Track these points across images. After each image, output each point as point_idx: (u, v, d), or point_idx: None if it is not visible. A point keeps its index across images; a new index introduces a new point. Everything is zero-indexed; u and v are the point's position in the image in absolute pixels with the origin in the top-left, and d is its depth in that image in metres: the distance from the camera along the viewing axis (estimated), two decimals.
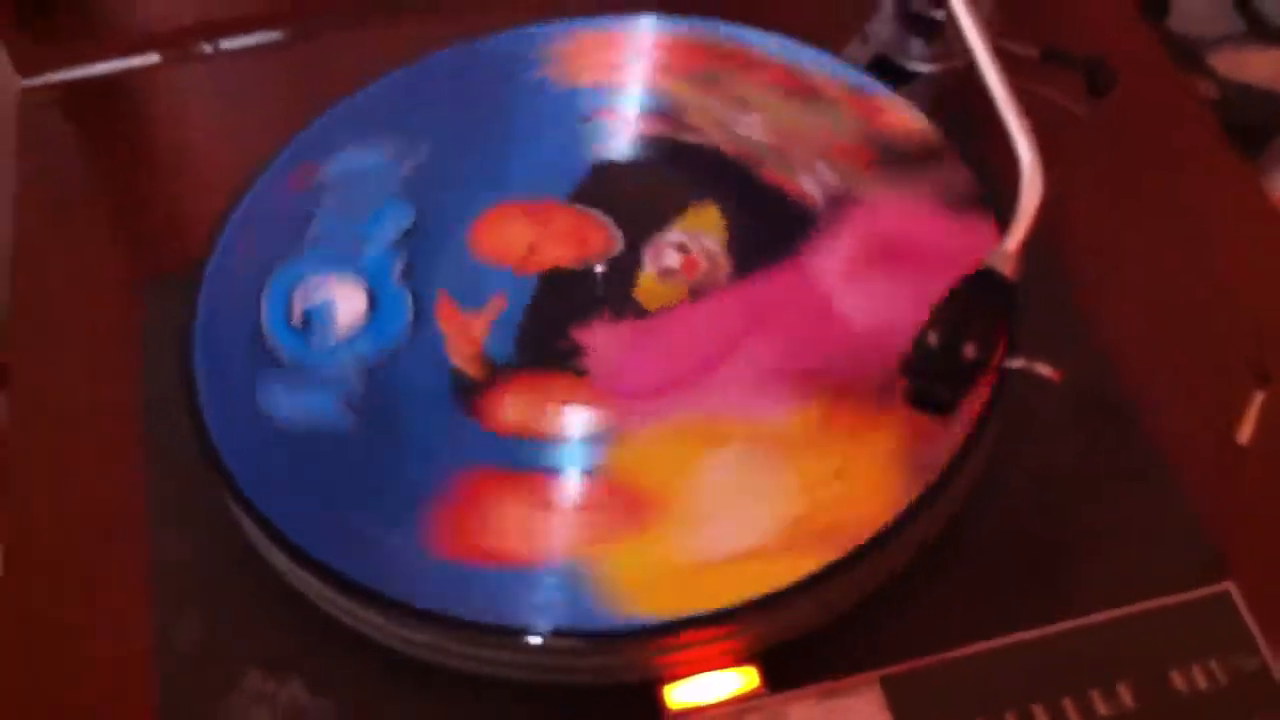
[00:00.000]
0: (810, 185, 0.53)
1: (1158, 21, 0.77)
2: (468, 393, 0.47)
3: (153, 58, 0.64)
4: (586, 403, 0.47)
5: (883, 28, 0.60)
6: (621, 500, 0.45)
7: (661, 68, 0.57)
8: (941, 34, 0.59)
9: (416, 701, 0.44)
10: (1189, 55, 0.78)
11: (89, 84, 0.64)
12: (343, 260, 0.51)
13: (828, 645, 0.44)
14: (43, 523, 0.49)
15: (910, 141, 0.54)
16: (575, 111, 0.55)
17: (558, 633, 0.42)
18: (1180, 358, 0.51)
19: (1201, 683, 0.43)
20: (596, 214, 0.52)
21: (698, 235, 0.51)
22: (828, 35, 0.59)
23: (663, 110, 0.55)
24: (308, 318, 0.49)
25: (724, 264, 0.51)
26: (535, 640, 0.42)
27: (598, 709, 0.43)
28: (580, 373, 0.48)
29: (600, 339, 0.49)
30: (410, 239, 0.51)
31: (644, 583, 0.43)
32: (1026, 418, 0.48)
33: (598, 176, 0.53)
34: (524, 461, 0.46)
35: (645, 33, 0.58)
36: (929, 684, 0.43)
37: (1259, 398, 0.48)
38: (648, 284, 0.50)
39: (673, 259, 0.51)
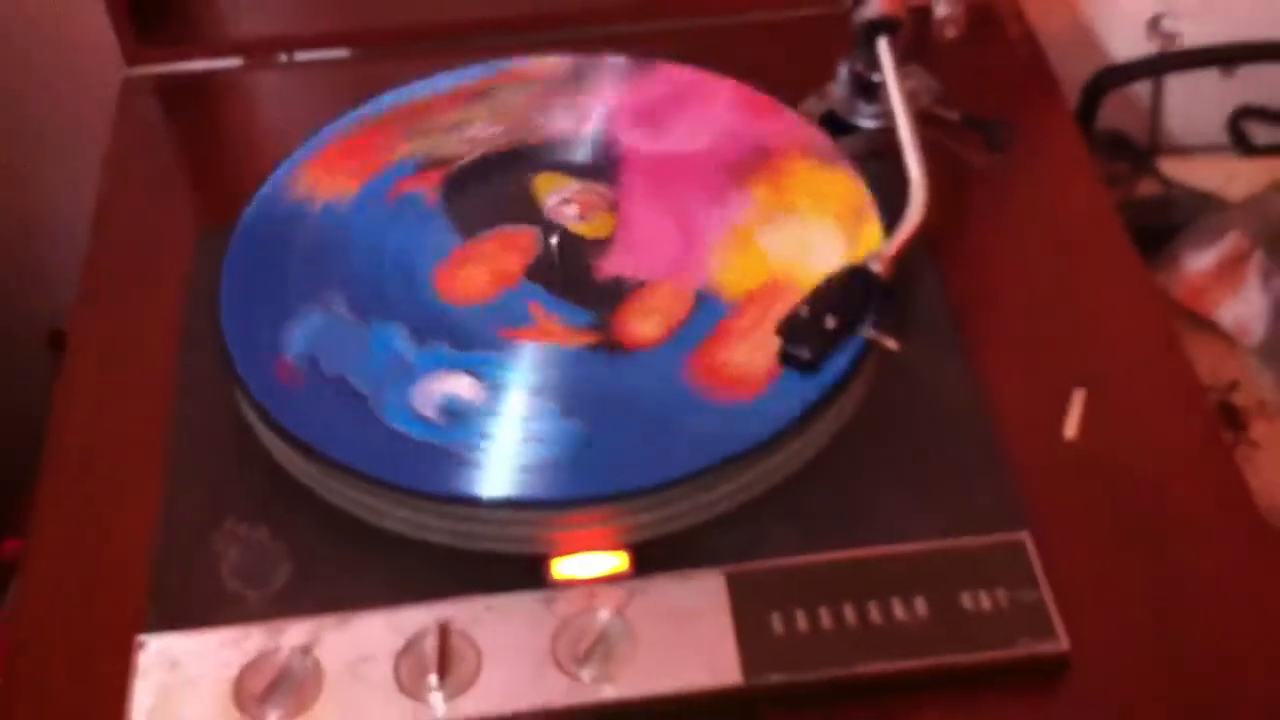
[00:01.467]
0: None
1: (1087, 126, 0.87)
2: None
3: (236, 61, 0.78)
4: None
5: (838, 89, 0.72)
6: None
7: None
8: (880, 97, 0.70)
9: (351, 551, 0.54)
10: (1141, 156, 0.89)
11: (180, 78, 0.78)
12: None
13: (687, 546, 0.54)
14: (88, 420, 0.61)
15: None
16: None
17: (467, 500, 0.53)
18: (1039, 379, 0.61)
19: (986, 605, 0.52)
20: (500, 227, 0.63)
21: (560, 189, 0.64)
22: (792, 90, 0.71)
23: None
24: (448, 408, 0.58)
25: (597, 189, 0.64)
26: (449, 507, 0.53)
27: (498, 573, 0.53)
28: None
29: (612, 263, 0.61)
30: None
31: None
32: (896, 408, 0.58)
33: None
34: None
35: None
36: (762, 581, 0.53)
37: (1080, 398, 0.58)
38: (581, 229, 0.62)
39: (572, 208, 0.63)
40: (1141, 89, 0.92)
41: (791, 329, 0.56)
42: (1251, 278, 0.78)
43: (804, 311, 0.56)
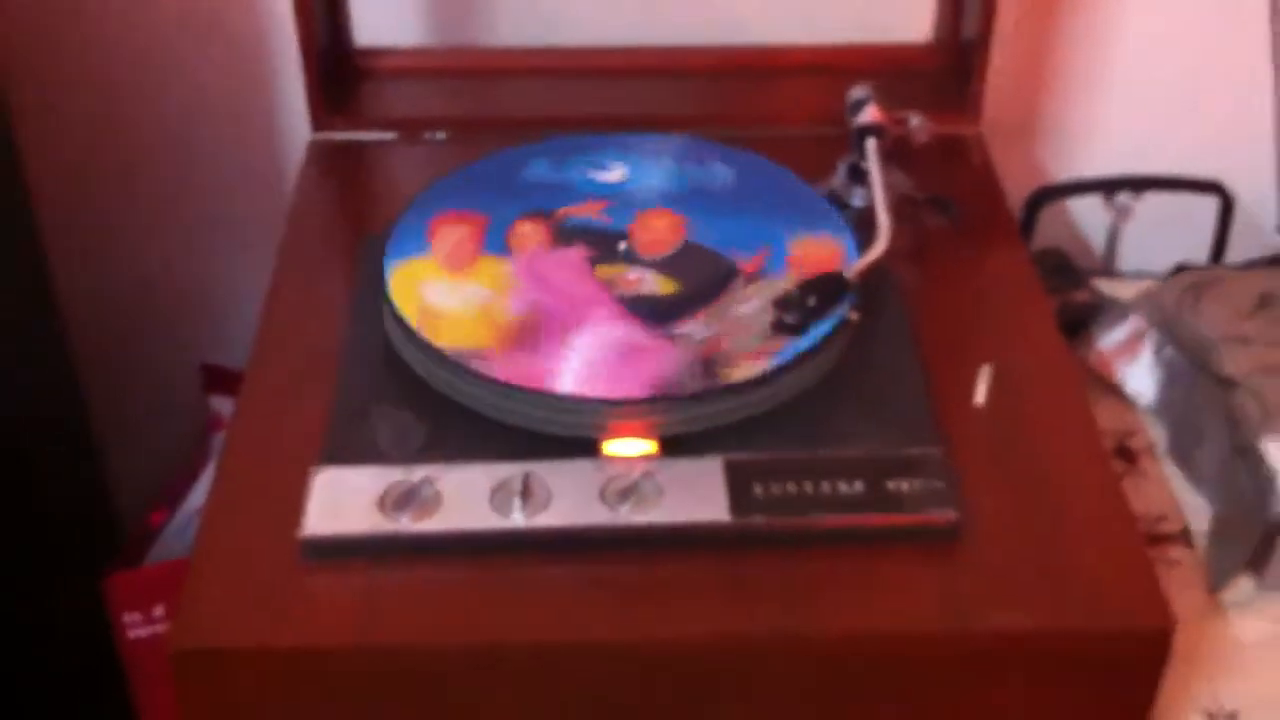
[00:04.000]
0: None
1: (1028, 230, 1.12)
2: None
3: (391, 135, 1.05)
4: None
5: (837, 178, 0.97)
6: None
7: None
8: (867, 182, 0.95)
9: (473, 437, 0.77)
10: (1076, 272, 1.13)
11: (349, 145, 1.04)
12: None
13: (701, 442, 0.77)
14: (285, 344, 0.85)
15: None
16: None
17: (552, 394, 0.76)
18: (966, 372, 0.84)
19: (904, 488, 0.75)
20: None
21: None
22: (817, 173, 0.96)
23: None
24: None
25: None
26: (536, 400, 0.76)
27: (569, 449, 0.76)
28: None
29: None
30: None
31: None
32: (861, 369, 0.82)
33: None
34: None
35: None
36: (749, 465, 0.76)
37: (987, 372, 0.82)
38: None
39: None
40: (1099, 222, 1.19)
41: (785, 303, 0.80)
42: (1146, 352, 1.02)
43: (795, 292, 0.80)
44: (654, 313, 0.82)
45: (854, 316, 0.80)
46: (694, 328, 0.81)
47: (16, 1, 1.11)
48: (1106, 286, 1.12)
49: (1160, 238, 1.21)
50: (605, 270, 0.85)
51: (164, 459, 1.22)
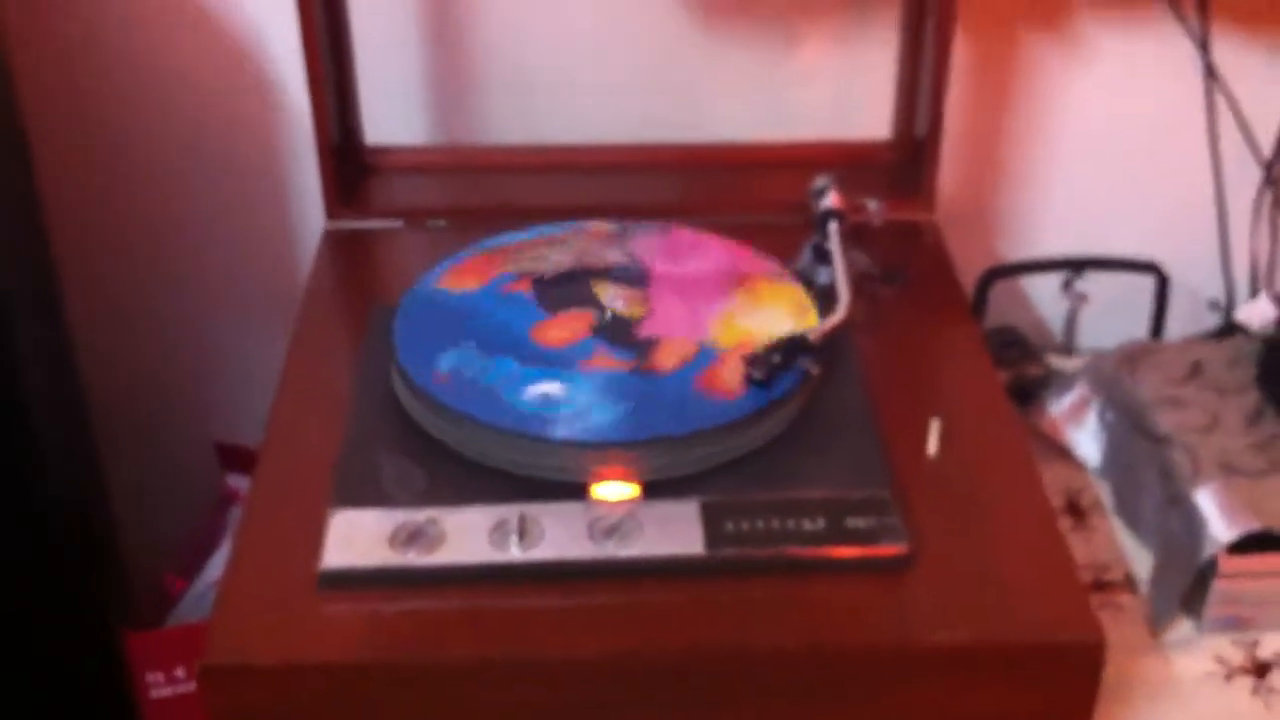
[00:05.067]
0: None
1: (980, 306, 1.22)
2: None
3: (398, 223, 1.14)
4: None
5: (803, 258, 1.06)
6: None
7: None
8: (829, 261, 1.04)
9: (472, 482, 0.86)
10: (1032, 350, 1.23)
11: (359, 232, 1.14)
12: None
13: (677, 487, 0.86)
14: (296, 410, 0.94)
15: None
16: None
17: (547, 440, 0.85)
18: (916, 430, 0.92)
19: (861, 525, 0.83)
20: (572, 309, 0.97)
21: (612, 289, 0.96)
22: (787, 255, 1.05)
23: None
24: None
25: (635, 291, 0.96)
26: (534, 444, 0.85)
27: (558, 492, 0.85)
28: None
29: (645, 329, 0.93)
30: None
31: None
32: (822, 420, 0.91)
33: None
34: None
35: None
36: (722, 505, 0.84)
37: (936, 425, 0.90)
38: (624, 311, 0.94)
39: (620, 301, 0.95)
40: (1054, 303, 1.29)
41: (752, 360, 0.89)
42: (1091, 416, 1.11)
43: (762, 351, 0.90)
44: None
45: (815, 371, 0.89)
46: None
47: (49, 90, 1.21)
48: (1058, 362, 1.21)
49: (1110, 320, 1.30)
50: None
51: (175, 528, 1.30)
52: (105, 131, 1.23)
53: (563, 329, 0.94)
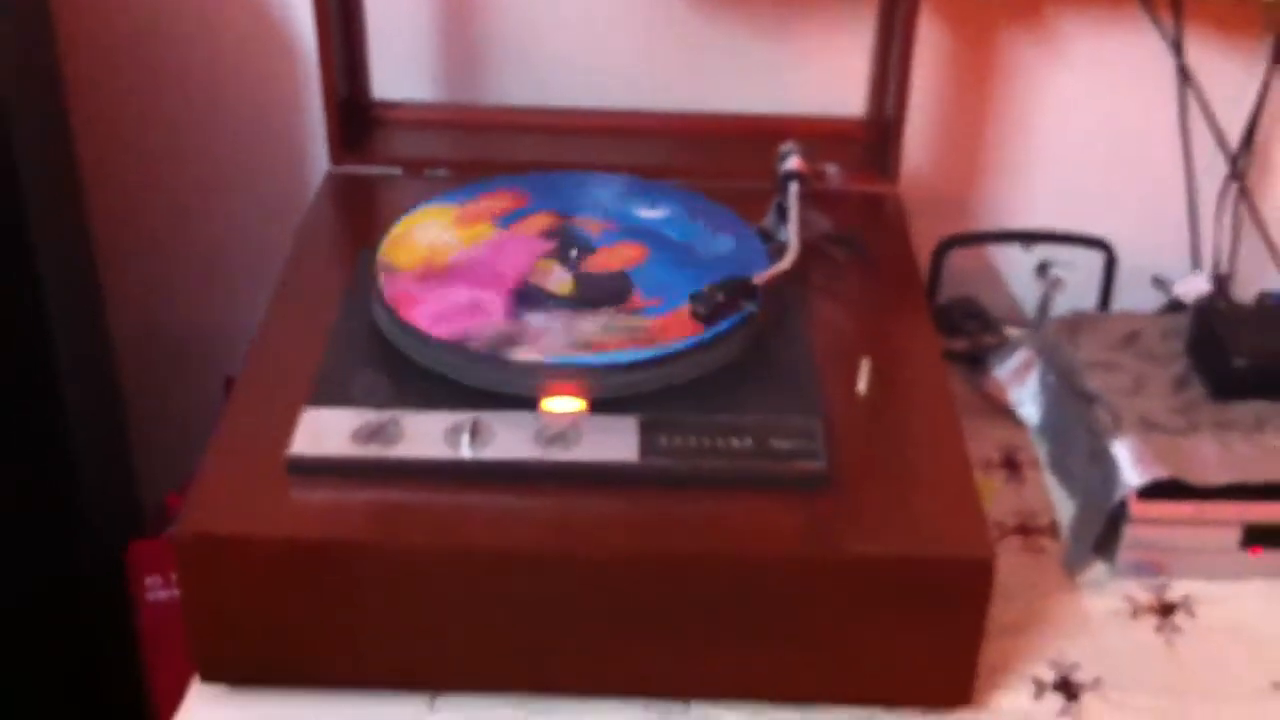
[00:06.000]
0: None
1: (936, 275, 1.29)
2: None
3: (397, 170, 1.23)
4: None
5: (768, 218, 1.14)
6: None
7: None
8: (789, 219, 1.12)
9: (434, 393, 0.94)
10: (990, 321, 1.30)
11: (360, 177, 1.23)
12: None
13: (627, 406, 0.93)
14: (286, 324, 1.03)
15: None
16: None
17: (504, 360, 0.93)
18: (848, 373, 1.00)
19: (785, 446, 0.91)
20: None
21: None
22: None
23: None
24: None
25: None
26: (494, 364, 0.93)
27: (511, 404, 0.93)
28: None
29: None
30: None
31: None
32: (763, 358, 0.98)
33: None
34: None
35: None
36: (659, 423, 0.92)
37: (866, 366, 0.98)
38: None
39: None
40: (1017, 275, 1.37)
41: (696, 297, 0.97)
42: (1033, 378, 1.18)
43: (707, 289, 0.97)
44: (529, 300, 0.99)
45: (755, 311, 0.97)
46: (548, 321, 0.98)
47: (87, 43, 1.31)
48: (1014, 333, 1.28)
49: (1079, 304, 1.37)
50: (544, 264, 1.03)
51: (185, 453, 1.38)
52: (136, 71, 1.33)
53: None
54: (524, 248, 1.04)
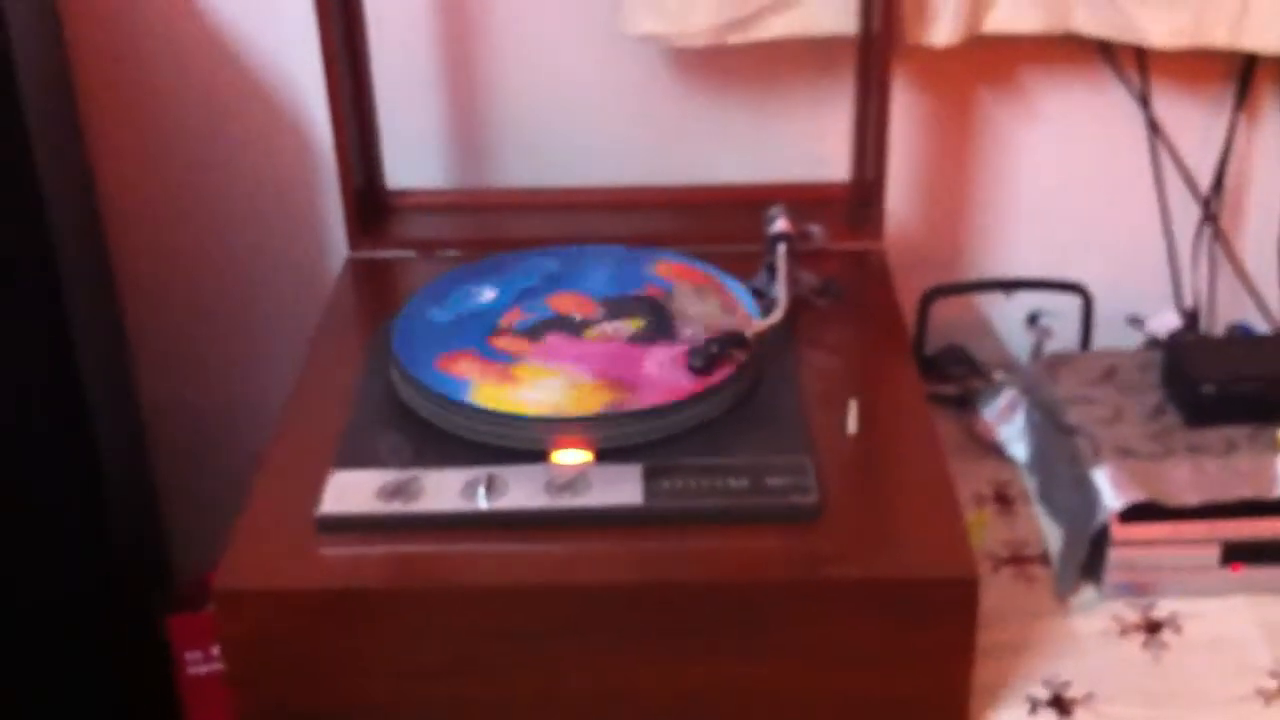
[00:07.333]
0: None
1: (922, 324, 1.36)
2: None
3: (411, 253, 1.31)
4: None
5: (760, 276, 1.22)
6: None
7: None
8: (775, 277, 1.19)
9: (452, 451, 1.01)
10: (978, 366, 1.36)
11: (377, 260, 1.31)
12: None
13: (630, 455, 1.00)
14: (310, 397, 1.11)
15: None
16: None
17: (515, 418, 1.00)
18: (834, 420, 1.07)
19: (779, 483, 0.97)
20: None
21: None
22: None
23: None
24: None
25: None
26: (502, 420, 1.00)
27: (522, 458, 1.00)
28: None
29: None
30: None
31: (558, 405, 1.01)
32: (754, 405, 1.05)
33: None
34: None
35: None
36: (661, 469, 0.99)
37: (855, 406, 1.05)
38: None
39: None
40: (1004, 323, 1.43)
41: (694, 351, 1.04)
42: (1019, 417, 1.24)
43: (702, 343, 1.05)
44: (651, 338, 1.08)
45: (742, 358, 1.04)
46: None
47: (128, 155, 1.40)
48: (1001, 377, 1.35)
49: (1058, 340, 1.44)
50: (590, 333, 1.11)
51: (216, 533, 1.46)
52: (164, 170, 1.42)
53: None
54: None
